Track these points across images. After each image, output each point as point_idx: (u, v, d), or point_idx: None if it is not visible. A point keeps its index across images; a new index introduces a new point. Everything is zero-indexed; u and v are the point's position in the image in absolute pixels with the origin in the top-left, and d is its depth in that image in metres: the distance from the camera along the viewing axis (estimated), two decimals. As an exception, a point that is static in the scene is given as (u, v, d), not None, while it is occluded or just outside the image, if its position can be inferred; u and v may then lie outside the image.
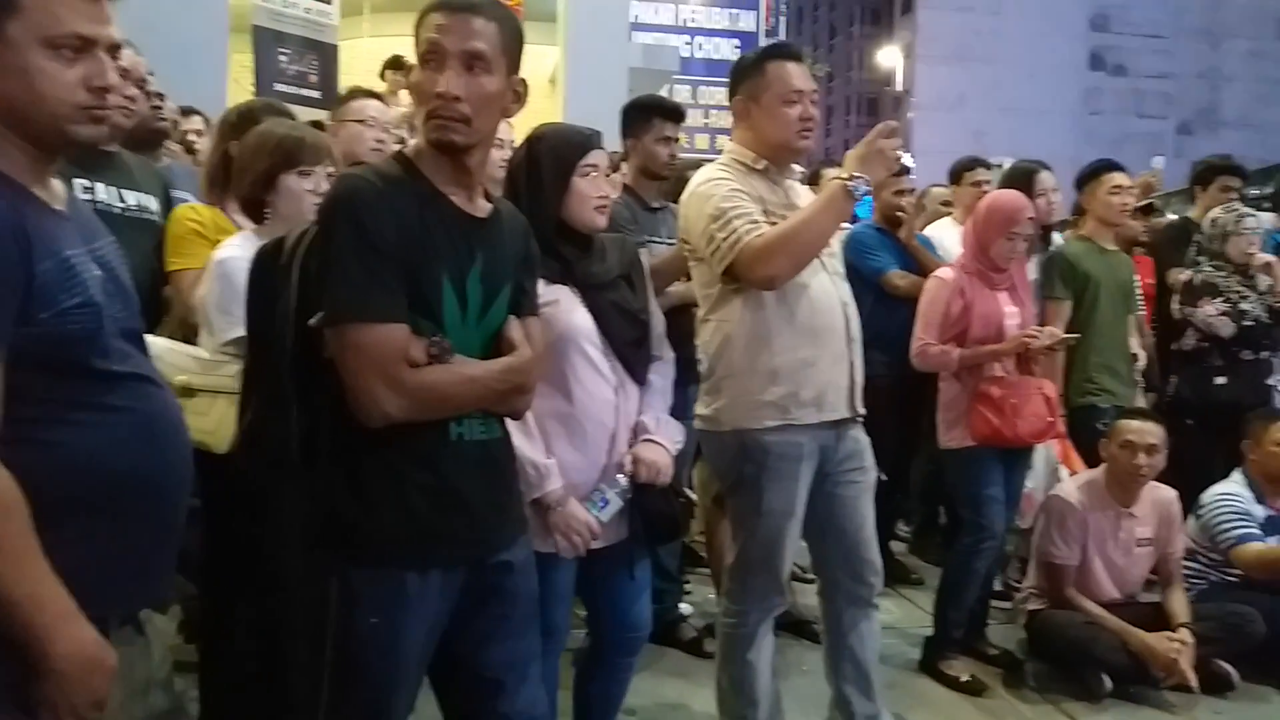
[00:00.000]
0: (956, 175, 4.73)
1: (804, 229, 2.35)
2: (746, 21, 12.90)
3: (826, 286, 2.49)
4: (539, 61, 9.59)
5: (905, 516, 4.91)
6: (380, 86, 6.77)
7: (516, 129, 2.82)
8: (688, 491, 2.50)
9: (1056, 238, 4.24)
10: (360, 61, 7.96)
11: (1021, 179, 3.96)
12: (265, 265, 1.71)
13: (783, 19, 14.84)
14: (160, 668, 1.40)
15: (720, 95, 11.56)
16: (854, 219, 4.28)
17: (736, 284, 2.42)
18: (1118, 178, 4.01)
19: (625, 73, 9.00)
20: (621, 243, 2.35)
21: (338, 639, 1.57)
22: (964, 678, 3.35)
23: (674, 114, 3.53)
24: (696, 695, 3.06)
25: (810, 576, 3.10)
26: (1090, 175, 4.07)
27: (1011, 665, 3.50)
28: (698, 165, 2.87)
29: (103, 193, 2.53)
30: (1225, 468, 3.79)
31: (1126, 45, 39.78)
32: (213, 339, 2.16)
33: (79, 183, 2.42)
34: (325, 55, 6.55)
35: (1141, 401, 4.11)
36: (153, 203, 2.69)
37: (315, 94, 6.21)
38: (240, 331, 2.05)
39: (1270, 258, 4.07)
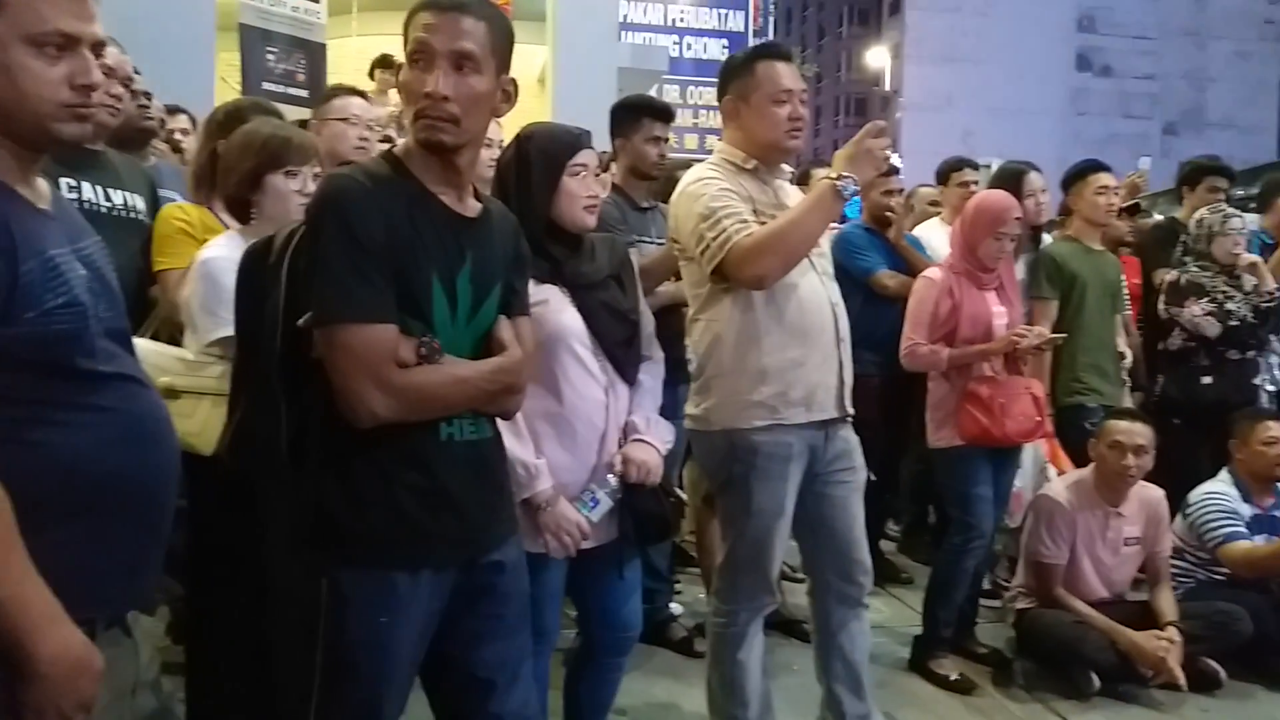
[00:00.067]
0: (944, 176, 4.75)
1: (793, 229, 2.35)
2: (735, 22, 12.92)
3: (816, 286, 2.49)
4: (528, 61, 9.59)
5: (895, 516, 4.92)
6: (369, 85, 6.77)
7: (505, 128, 2.81)
8: (678, 491, 2.50)
9: (1047, 238, 4.25)
10: (348, 60, 7.93)
11: (1010, 180, 3.98)
12: (254, 265, 1.70)
13: (771, 19, 14.88)
14: (148, 669, 1.40)
15: (709, 95, 11.59)
16: (843, 219, 4.29)
17: (726, 284, 2.42)
18: (1104, 178, 4.03)
19: (614, 72, 8.99)
20: (611, 243, 2.35)
21: (328, 640, 1.56)
22: (953, 676, 3.36)
23: (663, 114, 3.53)
24: (687, 695, 3.06)
25: (800, 576, 3.10)
26: (1076, 176, 4.09)
27: (1000, 664, 3.51)
28: (687, 165, 2.86)
29: (89, 192, 2.51)
30: (1212, 467, 3.82)
31: (1113, 46, 39.98)
32: (197, 340, 2.15)
33: (65, 181, 2.40)
34: (313, 54, 6.51)
35: (1129, 401, 4.13)
36: (139, 202, 2.67)
37: (303, 93, 6.18)
38: (225, 332, 2.04)
39: (1255, 258, 4.10)
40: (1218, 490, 3.68)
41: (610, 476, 2.15)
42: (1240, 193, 4.99)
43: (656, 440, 2.22)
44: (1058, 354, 3.78)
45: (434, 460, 1.62)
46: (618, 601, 2.28)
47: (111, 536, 1.29)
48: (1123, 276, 4.22)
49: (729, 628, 2.57)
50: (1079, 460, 3.67)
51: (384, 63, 6.69)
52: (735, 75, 2.52)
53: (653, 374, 2.31)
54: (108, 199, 2.56)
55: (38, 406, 1.24)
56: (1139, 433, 3.42)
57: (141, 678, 1.37)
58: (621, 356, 2.21)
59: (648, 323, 2.34)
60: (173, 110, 4.10)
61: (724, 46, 12.40)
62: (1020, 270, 3.84)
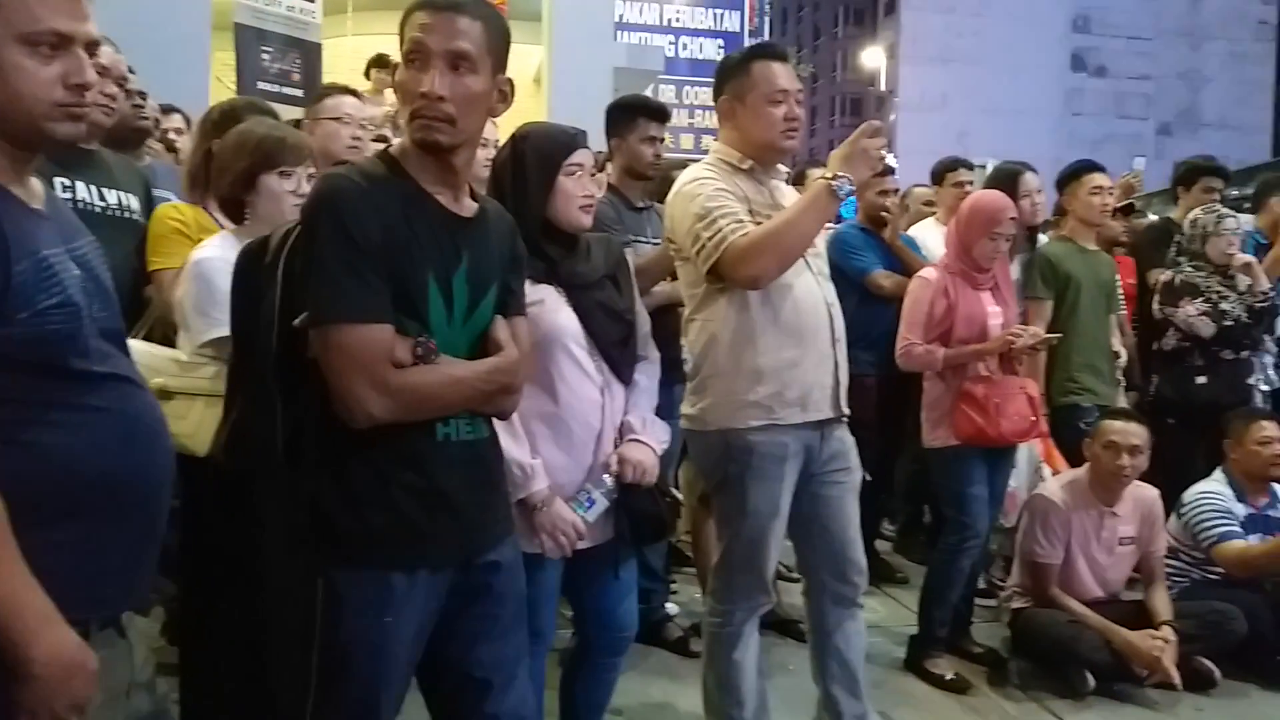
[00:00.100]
0: (939, 176, 4.75)
1: (788, 229, 2.36)
2: (731, 22, 12.91)
3: (811, 287, 2.49)
4: (523, 61, 9.58)
5: (890, 515, 4.92)
6: (364, 85, 6.76)
7: (501, 128, 2.81)
8: (674, 491, 2.50)
9: (1043, 239, 4.26)
10: (344, 60, 7.92)
11: (1006, 180, 3.98)
12: (250, 264, 1.70)
13: (767, 19, 14.88)
14: (142, 670, 1.39)
15: (705, 95, 11.58)
16: (838, 219, 4.29)
17: (722, 284, 2.42)
18: (1098, 178, 4.04)
19: (610, 72, 8.99)
20: (607, 242, 2.35)
21: (325, 640, 1.56)
22: (949, 676, 3.36)
23: (658, 114, 3.52)
24: (683, 695, 3.06)
25: (796, 575, 3.10)
26: (1071, 176, 4.10)
27: (996, 663, 3.52)
28: (683, 165, 2.87)
29: (83, 191, 2.51)
30: (1207, 466, 3.82)
31: (1108, 47, 40.09)
32: (190, 341, 2.14)
33: (59, 181, 2.40)
34: (308, 54, 6.51)
35: (1123, 401, 4.13)
36: (134, 201, 2.67)
37: (298, 92, 6.17)
38: (218, 333, 2.04)
39: (1250, 258, 4.10)
40: (1212, 490, 3.68)
41: (606, 476, 2.15)
42: (1235, 193, 5.00)
43: (652, 440, 2.22)
44: (1052, 354, 3.78)
45: (430, 460, 1.61)
46: (613, 602, 2.28)
47: (106, 537, 1.29)
48: (1117, 276, 4.23)
49: (724, 627, 2.57)
50: (1074, 460, 3.67)
51: (380, 62, 6.68)
52: (731, 75, 2.52)
53: (648, 374, 2.31)
54: (102, 199, 2.56)
55: (32, 407, 1.23)
56: (1134, 433, 3.42)
57: (136, 678, 1.37)
58: (617, 356, 2.21)
59: (643, 323, 2.33)
60: (167, 110, 4.10)
61: (720, 47, 12.39)
62: (1016, 270, 3.85)
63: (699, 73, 12.09)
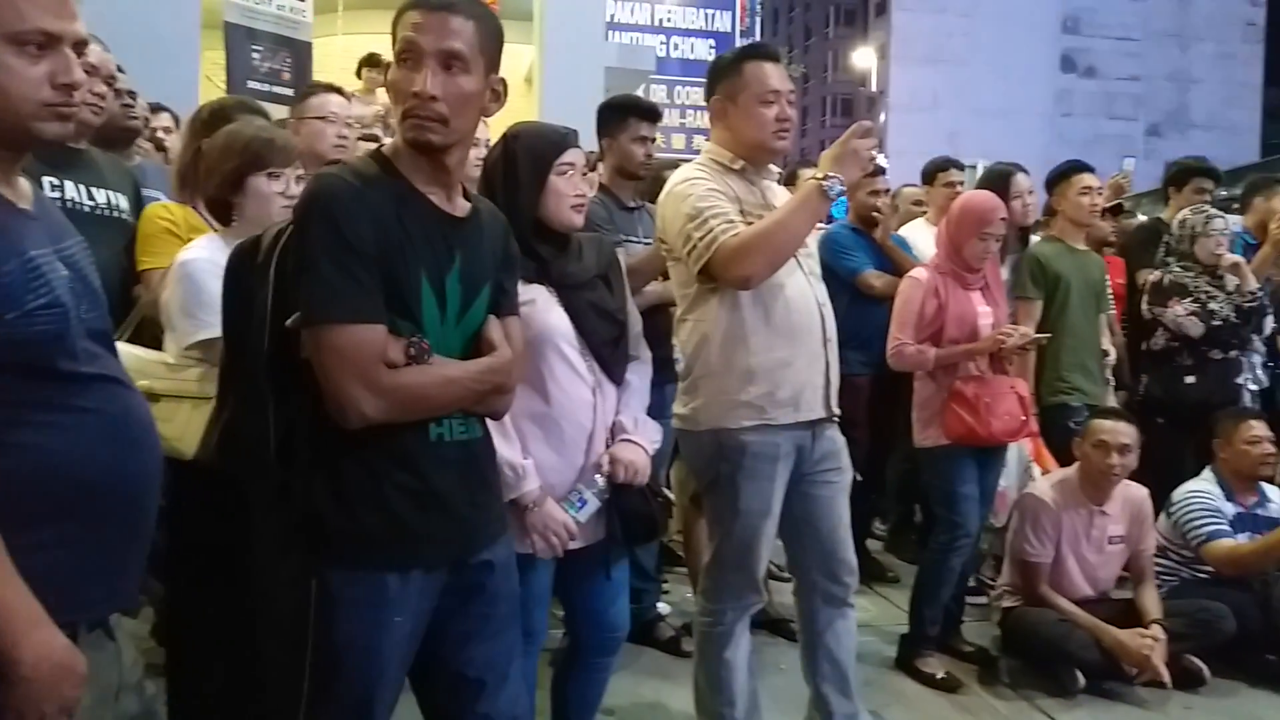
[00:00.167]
0: (930, 176, 4.77)
1: (779, 229, 2.36)
2: (722, 22, 12.92)
3: (803, 287, 2.49)
4: (515, 60, 9.57)
5: (881, 515, 4.94)
6: (356, 84, 6.74)
7: (492, 127, 2.80)
8: (665, 491, 2.50)
9: (1035, 239, 4.27)
10: (334, 59, 7.90)
11: (998, 181, 4.00)
12: (241, 264, 1.69)
13: (758, 20, 14.89)
14: (131, 672, 1.38)
15: (696, 95, 11.59)
16: (829, 219, 4.30)
17: (713, 284, 2.42)
18: (1087, 179, 4.06)
19: (601, 72, 8.98)
20: (599, 242, 2.34)
21: (318, 641, 1.55)
22: (939, 675, 3.37)
23: (650, 114, 3.52)
24: (674, 694, 3.06)
25: (787, 575, 3.11)
26: (1060, 176, 4.12)
27: (986, 662, 3.53)
28: (674, 165, 2.87)
29: (71, 191, 2.49)
30: (1196, 465, 3.84)
31: (1097, 48, 40.21)
32: (176, 342, 2.12)
33: (47, 180, 2.38)
34: (299, 53, 6.48)
35: (1112, 400, 4.15)
36: (123, 201, 2.66)
37: (288, 92, 6.14)
38: (204, 334, 2.03)
39: (1238, 258, 4.13)
40: (1201, 489, 3.70)
41: (598, 477, 2.15)
42: (1224, 193, 5.02)
43: (644, 440, 2.21)
44: (1042, 353, 3.80)
45: (423, 460, 1.61)
46: (605, 602, 2.28)
47: (93, 539, 1.28)
48: (1106, 276, 4.24)
49: (716, 627, 2.58)
50: (1063, 459, 3.69)
51: (371, 61, 6.66)
52: (723, 75, 2.52)
53: (640, 374, 2.31)
54: (91, 198, 2.55)
55: (18, 408, 1.23)
56: (1123, 432, 3.44)
57: (125, 680, 1.36)
58: (609, 356, 2.21)
59: (635, 323, 2.33)
60: (156, 109, 4.08)
61: (711, 46, 12.41)
62: (1005, 272, 3.86)
63: (690, 73, 12.11)
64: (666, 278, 2.78)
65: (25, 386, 1.23)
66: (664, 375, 2.58)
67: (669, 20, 12.75)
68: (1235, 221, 4.53)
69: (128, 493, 1.33)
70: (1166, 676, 3.23)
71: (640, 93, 8.44)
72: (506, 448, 2.02)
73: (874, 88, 41.75)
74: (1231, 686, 3.42)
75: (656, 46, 12.10)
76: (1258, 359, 4.11)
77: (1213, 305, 3.97)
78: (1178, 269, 4.09)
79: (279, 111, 3.55)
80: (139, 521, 1.36)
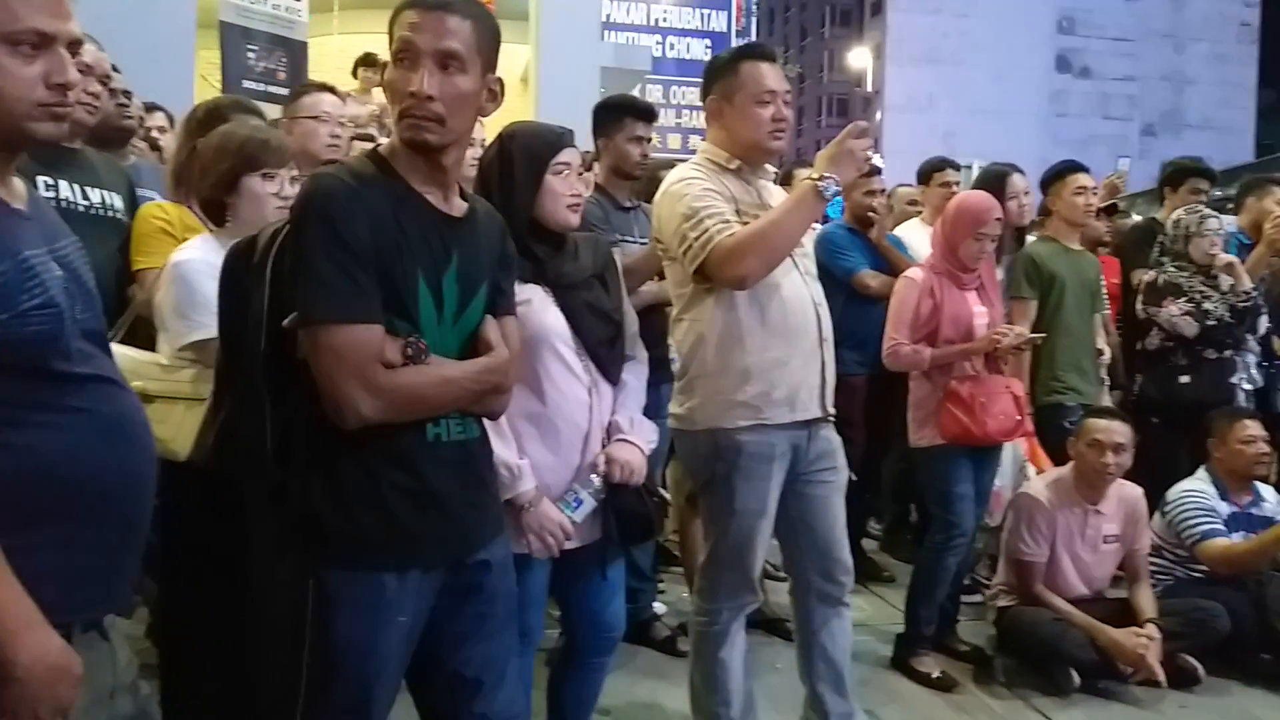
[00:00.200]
0: (925, 176, 4.77)
1: (774, 229, 2.36)
2: (718, 22, 12.94)
3: (799, 286, 2.50)
4: (511, 60, 9.56)
5: (877, 514, 4.94)
6: (352, 84, 6.73)
7: (487, 127, 2.80)
8: (661, 491, 2.50)
9: (1030, 239, 4.28)
10: (330, 59, 7.90)
11: (994, 182, 4.01)
12: (238, 264, 1.69)
13: (754, 19, 14.89)
14: (126, 672, 1.38)
15: (692, 95, 11.60)
16: (825, 219, 4.30)
17: (709, 284, 2.42)
18: (1082, 179, 4.07)
19: (597, 72, 8.99)
20: (595, 242, 2.34)
21: (315, 641, 1.55)
22: (935, 674, 3.38)
23: (645, 113, 3.53)
24: (670, 694, 3.06)
25: (782, 575, 3.11)
26: (1055, 176, 4.13)
27: (982, 661, 3.54)
28: (670, 165, 2.87)
29: (66, 190, 2.49)
30: (1190, 465, 3.85)
31: (1092, 48, 40.26)
32: (169, 344, 2.11)
33: (42, 179, 2.38)
34: (294, 52, 6.48)
35: (1107, 400, 4.16)
36: (117, 200, 2.65)
37: (284, 91, 6.14)
38: (198, 336, 2.02)
39: (1232, 258, 4.13)
40: (1196, 488, 3.71)
41: (594, 476, 2.15)
42: (1218, 194, 5.03)
43: (640, 440, 2.21)
44: (1037, 353, 3.81)
45: (421, 460, 1.61)
46: (601, 602, 2.28)
47: (88, 539, 1.28)
48: (1101, 276, 4.25)
49: (711, 626, 2.58)
50: (1058, 459, 3.69)
51: (367, 61, 6.65)
52: (719, 75, 2.52)
53: (636, 374, 2.31)
54: (85, 197, 2.54)
55: (13, 408, 1.22)
56: (1118, 431, 3.45)
57: (119, 681, 1.35)
58: (605, 356, 2.21)
59: (631, 322, 2.33)
60: (150, 108, 4.08)
61: (707, 46, 12.42)
62: (1002, 272, 3.87)
63: (686, 72, 12.12)
64: (662, 277, 2.79)
65: (20, 387, 1.23)
66: (659, 375, 2.59)
67: (665, 20, 12.76)
68: (1230, 222, 4.54)
69: (122, 493, 1.32)
70: (1161, 675, 3.24)
71: (636, 93, 8.45)
72: (502, 447, 2.02)
73: (869, 88, 41.78)
74: (1226, 685, 3.43)
75: (652, 46, 12.11)
76: (1252, 359, 4.11)
77: (1207, 305, 3.98)
78: (1172, 269, 4.10)
79: (274, 111, 3.55)
80: (134, 522, 1.36)
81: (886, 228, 4.40)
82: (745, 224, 2.38)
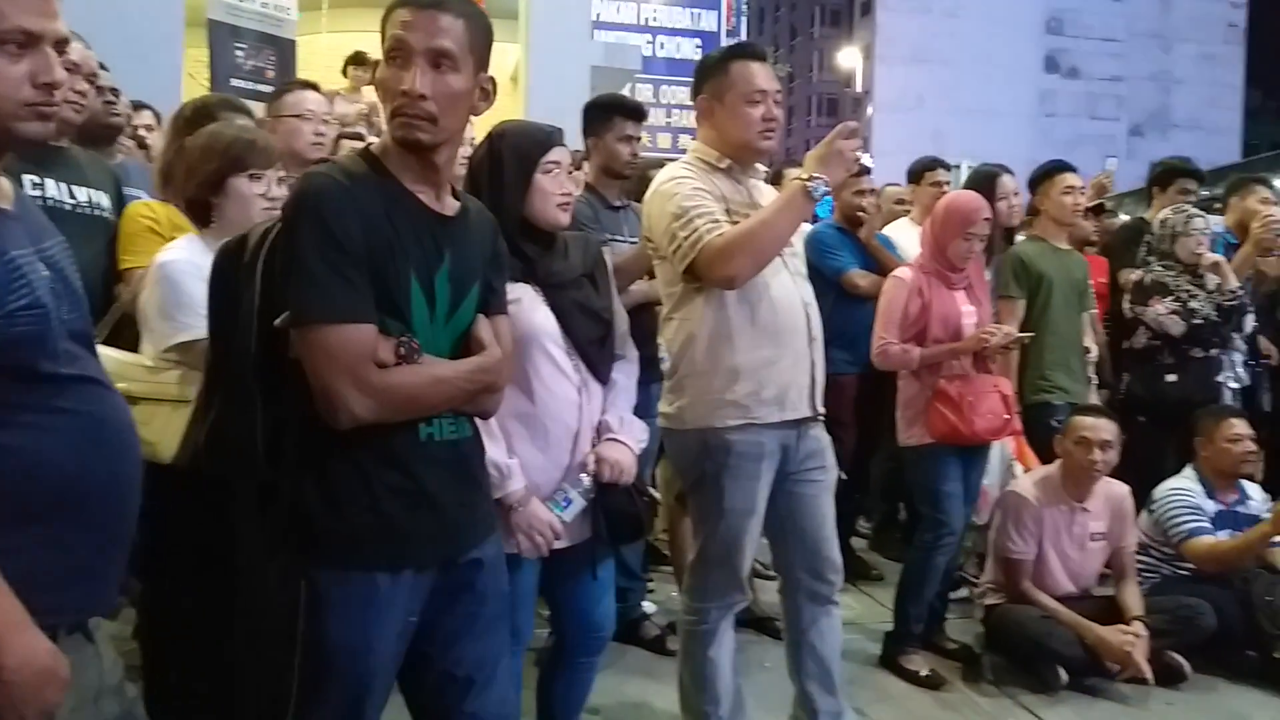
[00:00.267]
0: (916, 175, 4.79)
1: (763, 229, 2.36)
2: (708, 21, 12.94)
3: (788, 286, 2.50)
4: (501, 59, 9.52)
5: (866, 513, 4.95)
6: (342, 82, 6.71)
7: (477, 126, 2.79)
8: (651, 490, 2.50)
9: (1019, 239, 4.30)
10: (319, 57, 7.86)
11: (984, 182, 4.03)
12: (228, 264, 1.68)
13: (744, 19, 14.90)
14: (111, 675, 1.37)
15: (682, 94, 11.61)
16: (814, 219, 4.31)
17: (699, 283, 2.43)
18: (1070, 178, 4.09)
19: (587, 71, 8.97)
20: (585, 241, 2.34)
21: (308, 642, 1.55)
22: (923, 672, 3.39)
23: (635, 113, 3.53)
24: (659, 693, 3.06)
25: (771, 573, 3.12)
26: (1044, 176, 4.15)
27: (970, 659, 3.55)
28: (660, 164, 2.87)
29: (53, 189, 2.48)
30: (1177, 463, 3.87)
31: (1080, 48, 40.42)
32: (153, 345, 2.10)
33: (28, 178, 2.37)
34: (283, 50, 6.45)
35: (1095, 398, 4.18)
36: (104, 199, 2.64)
37: (272, 90, 6.12)
38: (184, 337, 2.01)
39: (1218, 257, 4.16)
40: (1182, 486, 3.73)
41: (583, 476, 2.15)
42: (1205, 193, 5.06)
43: (630, 439, 2.22)
44: (1025, 352, 3.82)
45: (413, 460, 1.61)
46: (591, 601, 2.28)
47: (73, 541, 1.27)
48: (1089, 275, 4.27)
49: (700, 625, 2.58)
50: (1045, 457, 3.71)
51: (357, 60, 6.64)
52: (710, 74, 2.52)
53: (626, 373, 2.31)
54: (72, 196, 2.53)
55: (-1, 409, 1.22)
56: (1104, 428, 3.47)
57: (105, 683, 1.35)
58: (595, 355, 2.21)
59: (621, 321, 2.33)
60: (137, 106, 4.06)
61: (697, 46, 12.42)
62: (990, 272, 3.88)
63: (676, 72, 12.12)
64: (652, 276, 2.79)
65: (5, 388, 1.22)
66: (649, 374, 2.59)
67: (655, 19, 12.76)
68: (1217, 222, 4.56)
69: (109, 495, 1.32)
70: (1148, 673, 3.26)
71: (626, 92, 8.44)
72: (492, 447, 2.01)
73: (859, 88, 41.84)
74: (1211, 682, 3.45)
75: (642, 46, 12.10)
76: (1238, 357, 4.14)
77: (1194, 304, 4.00)
78: (1159, 268, 4.12)
79: (263, 110, 3.54)
80: (120, 524, 1.35)
81: (876, 227, 4.42)
82: (735, 223, 2.39)
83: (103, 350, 1.95)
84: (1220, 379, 4.06)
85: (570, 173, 2.26)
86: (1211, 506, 3.68)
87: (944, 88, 37.86)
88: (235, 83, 6.00)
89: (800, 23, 51.69)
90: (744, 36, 14.04)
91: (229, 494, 1.74)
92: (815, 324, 2.55)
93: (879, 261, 4.19)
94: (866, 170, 4.35)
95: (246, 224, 1.89)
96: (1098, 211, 5.01)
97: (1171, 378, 4.04)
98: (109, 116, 3.04)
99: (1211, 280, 4.06)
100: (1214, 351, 4.05)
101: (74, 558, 1.28)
